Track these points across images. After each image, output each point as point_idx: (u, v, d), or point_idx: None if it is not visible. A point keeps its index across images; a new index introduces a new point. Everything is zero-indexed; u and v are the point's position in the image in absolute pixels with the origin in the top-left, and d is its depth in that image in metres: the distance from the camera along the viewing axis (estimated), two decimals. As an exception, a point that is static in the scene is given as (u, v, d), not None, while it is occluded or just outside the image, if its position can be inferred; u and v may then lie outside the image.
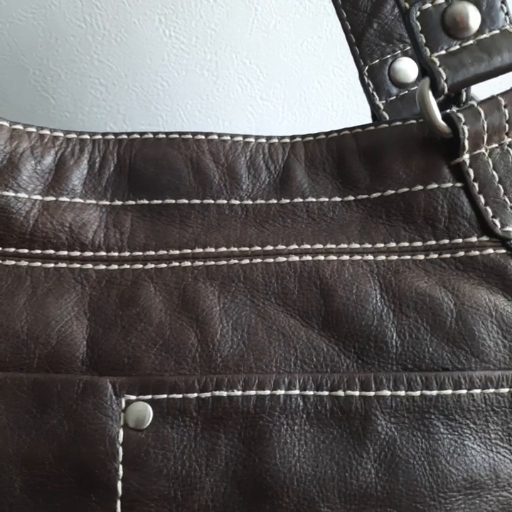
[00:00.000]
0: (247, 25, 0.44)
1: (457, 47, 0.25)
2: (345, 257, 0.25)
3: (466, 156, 0.25)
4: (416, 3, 0.25)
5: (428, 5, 0.25)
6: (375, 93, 0.31)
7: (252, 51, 0.45)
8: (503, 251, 0.25)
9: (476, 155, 0.25)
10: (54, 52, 0.44)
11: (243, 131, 0.37)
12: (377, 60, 0.31)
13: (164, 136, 0.28)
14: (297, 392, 0.23)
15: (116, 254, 0.26)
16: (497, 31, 0.25)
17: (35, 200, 0.26)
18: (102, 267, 0.26)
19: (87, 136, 0.27)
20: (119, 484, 0.22)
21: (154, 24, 0.44)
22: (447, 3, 0.25)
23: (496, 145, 0.25)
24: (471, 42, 0.25)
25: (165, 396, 0.23)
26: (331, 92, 0.46)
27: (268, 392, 0.23)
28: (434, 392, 0.23)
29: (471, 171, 0.25)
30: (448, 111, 0.25)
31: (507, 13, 0.25)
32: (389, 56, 0.31)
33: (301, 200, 0.27)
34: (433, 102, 0.25)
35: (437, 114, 0.25)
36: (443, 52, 0.25)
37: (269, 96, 0.46)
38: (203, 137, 0.28)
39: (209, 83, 0.45)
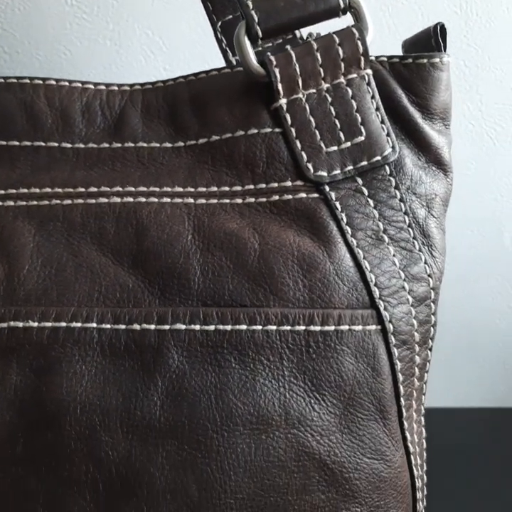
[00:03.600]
0: (149, -5, 0.44)
1: (274, -9, 0.25)
2: (166, 200, 0.26)
3: (283, 101, 0.25)
4: (234, -52, 0.25)
5: (245, -50, 0.25)
6: (228, 49, 0.31)
7: (154, 22, 0.45)
8: (315, 195, 0.25)
9: (293, 100, 0.25)
10: (-43, 19, 0.44)
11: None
12: (230, 16, 0.31)
13: (2, 80, 0.28)
14: (94, 325, 0.23)
15: None
16: (315, -23, 0.25)
17: None
18: None
19: None
20: None
21: (56, -8, 0.44)
22: (264, -51, 0.25)
23: (314, 90, 0.25)
24: (287, -13, 0.25)
25: (-37, 328, 0.23)
26: (235, 66, 0.46)
27: (64, 324, 0.23)
28: (229, 327, 0.23)
29: (288, 116, 0.25)
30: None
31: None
32: (241, 12, 0.31)
33: (133, 144, 0.27)
34: (248, 45, 0.25)
35: (252, 57, 0.25)
36: (259, -5, 0.25)
37: (173, 67, 0.46)
38: (40, 82, 0.28)
39: (112, 53, 0.45)
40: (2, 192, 0.26)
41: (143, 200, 0.26)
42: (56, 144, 0.27)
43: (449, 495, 0.39)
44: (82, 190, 0.26)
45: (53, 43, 0.45)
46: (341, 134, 0.25)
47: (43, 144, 0.27)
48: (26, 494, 0.22)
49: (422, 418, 0.28)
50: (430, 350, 0.27)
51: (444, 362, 0.53)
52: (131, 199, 0.26)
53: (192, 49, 0.46)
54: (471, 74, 0.48)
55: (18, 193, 0.26)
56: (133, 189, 0.26)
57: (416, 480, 0.26)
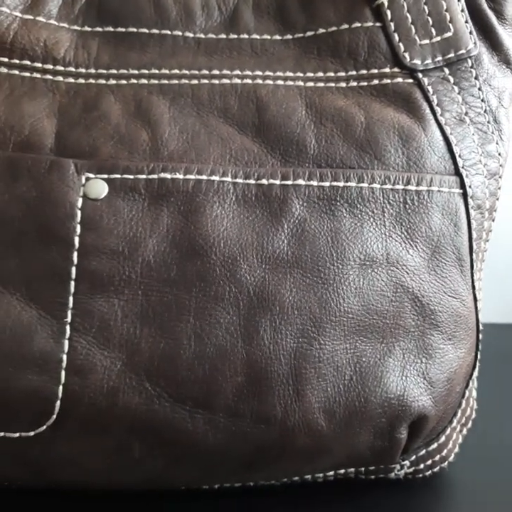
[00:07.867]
0: None
1: None
2: (280, 82, 0.30)
3: (384, -1, 0.30)
4: None
5: None
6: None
7: None
8: (410, 80, 0.30)
9: (393, -2, 0.30)
10: None
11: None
12: None
13: (132, -23, 0.32)
14: (229, 179, 0.28)
15: (83, 70, 0.30)
16: None
17: (16, 16, 0.30)
18: (71, 80, 0.30)
19: (63, -29, 0.31)
20: (77, 239, 0.27)
21: None
22: None
23: (411, -9, 0.30)
24: None
25: (119, 176, 0.27)
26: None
27: (205, 177, 0.28)
28: (341, 184, 0.28)
29: (388, 12, 0.30)
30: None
31: None
32: None
33: (247, 36, 0.31)
34: None
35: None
36: None
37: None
38: (164, -21, 0.32)
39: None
40: (136, 72, 0.30)
41: (260, 82, 0.30)
42: (180, 33, 0.31)
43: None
44: (206, 72, 0.30)
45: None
46: (433, 30, 0.30)
47: (169, 32, 0.31)
48: (181, 309, 0.26)
49: (480, 282, 0.34)
50: (493, 221, 0.32)
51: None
52: (249, 81, 0.30)
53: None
54: None
55: (150, 73, 0.30)
56: (250, 73, 0.30)
57: (479, 324, 0.31)
